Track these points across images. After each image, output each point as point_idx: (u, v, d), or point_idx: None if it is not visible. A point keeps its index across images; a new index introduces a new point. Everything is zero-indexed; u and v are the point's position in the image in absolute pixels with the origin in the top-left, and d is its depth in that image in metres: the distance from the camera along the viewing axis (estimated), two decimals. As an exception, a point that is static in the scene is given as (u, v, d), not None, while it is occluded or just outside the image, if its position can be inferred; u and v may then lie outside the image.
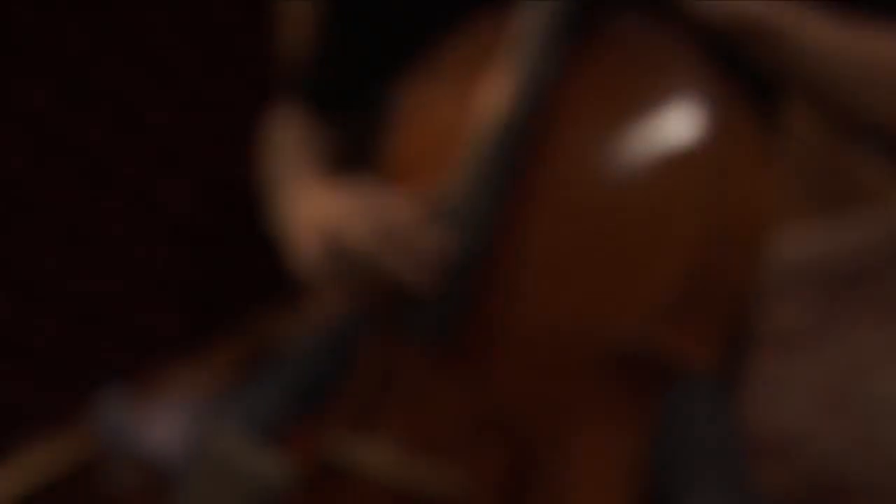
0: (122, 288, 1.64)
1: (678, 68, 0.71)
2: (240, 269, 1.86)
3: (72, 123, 1.48)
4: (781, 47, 0.72)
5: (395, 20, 0.95)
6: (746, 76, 0.73)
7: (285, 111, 1.04)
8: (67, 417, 1.62)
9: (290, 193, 0.93)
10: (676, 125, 0.69)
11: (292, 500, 0.74)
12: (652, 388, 0.74)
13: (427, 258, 0.72)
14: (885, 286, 2.15)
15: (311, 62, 1.02)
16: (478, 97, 0.77)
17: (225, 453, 0.53)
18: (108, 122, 1.54)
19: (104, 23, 1.47)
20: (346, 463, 0.76)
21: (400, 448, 0.74)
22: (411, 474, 0.73)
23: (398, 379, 0.77)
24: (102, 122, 1.53)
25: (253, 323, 1.90)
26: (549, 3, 0.73)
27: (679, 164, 0.68)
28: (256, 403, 0.94)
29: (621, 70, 0.74)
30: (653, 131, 0.70)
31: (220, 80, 1.68)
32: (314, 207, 0.81)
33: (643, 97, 0.71)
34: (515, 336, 0.72)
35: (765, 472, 1.63)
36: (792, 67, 0.72)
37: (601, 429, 0.71)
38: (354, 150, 1.00)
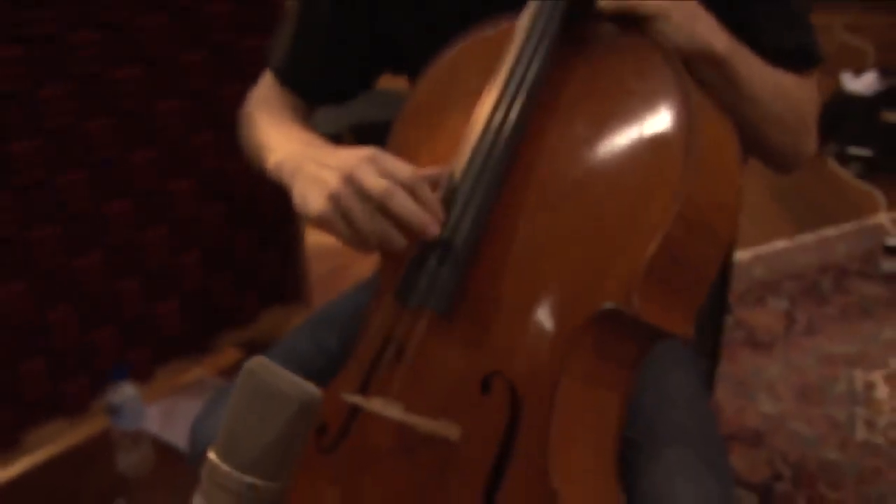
0: (138, 287, 1.70)
1: (659, 69, 0.79)
2: (247, 272, 1.91)
3: (95, 135, 1.54)
4: (730, 77, 0.84)
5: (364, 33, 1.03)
6: None
7: (267, 83, 1.10)
8: (86, 403, 1.69)
9: (288, 138, 0.96)
10: (658, 121, 0.78)
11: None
12: (632, 350, 0.82)
13: (431, 205, 0.79)
14: (848, 298, 2.30)
15: (285, 47, 1.07)
16: (478, 98, 0.84)
17: (266, 373, 0.58)
18: (133, 136, 1.60)
19: (119, 29, 1.53)
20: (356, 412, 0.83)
21: (403, 404, 0.81)
22: (412, 422, 0.79)
23: (403, 342, 0.83)
24: (128, 135, 1.59)
25: (257, 322, 1.96)
26: (540, 14, 0.83)
27: (658, 156, 0.77)
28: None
29: (605, 70, 0.83)
30: (636, 126, 0.78)
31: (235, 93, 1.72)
32: (326, 154, 0.85)
33: (627, 95, 0.80)
34: (510, 301, 0.80)
35: (743, 453, 1.74)
36: (733, 90, 0.85)
37: (585, 385, 0.79)
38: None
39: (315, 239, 2.03)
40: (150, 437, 1.72)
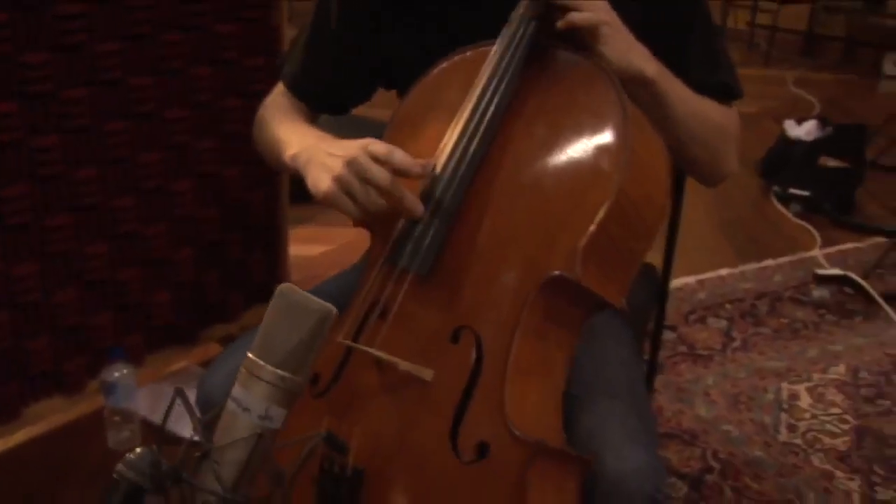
0: (139, 277, 1.83)
1: (602, 86, 0.98)
2: (235, 272, 2.03)
3: (110, 135, 1.68)
4: (658, 97, 1.03)
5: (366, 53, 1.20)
6: None
7: (279, 92, 1.27)
8: (83, 382, 1.81)
9: (302, 136, 1.10)
10: (600, 127, 0.96)
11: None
12: (574, 314, 1.00)
13: (414, 170, 0.96)
14: (781, 321, 2.54)
15: (297, 63, 1.25)
16: (457, 108, 1.02)
17: (293, 293, 0.74)
18: (143, 138, 1.73)
19: (139, 41, 1.68)
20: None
21: (386, 353, 0.97)
22: (394, 360, 0.96)
23: (387, 304, 0.99)
24: (138, 137, 1.72)
25: (240, 319, 2.08)
26: (511, 40, 1.02)
27: (599, 154, 0.96)
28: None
29: (560, 85, 1.02)
30: (583, 130, 0.97)
31: (237, 106, 1.86)
32: (333, 144, 1.02)
33: (577, 106, 0.99)
34: (478, 269, 0.98)
35: (678, 449, 1.94)
36: (661, 110, 1.04)
37: (536, 340, 0.97)
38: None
39: (293, 251, 2.20)
40: (139, 417, 1.85)
